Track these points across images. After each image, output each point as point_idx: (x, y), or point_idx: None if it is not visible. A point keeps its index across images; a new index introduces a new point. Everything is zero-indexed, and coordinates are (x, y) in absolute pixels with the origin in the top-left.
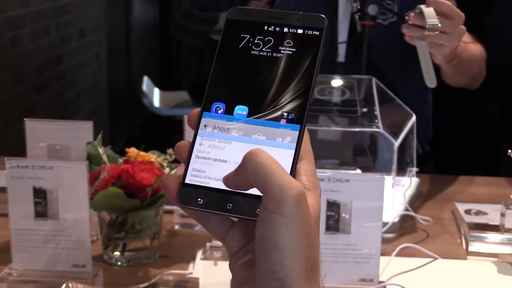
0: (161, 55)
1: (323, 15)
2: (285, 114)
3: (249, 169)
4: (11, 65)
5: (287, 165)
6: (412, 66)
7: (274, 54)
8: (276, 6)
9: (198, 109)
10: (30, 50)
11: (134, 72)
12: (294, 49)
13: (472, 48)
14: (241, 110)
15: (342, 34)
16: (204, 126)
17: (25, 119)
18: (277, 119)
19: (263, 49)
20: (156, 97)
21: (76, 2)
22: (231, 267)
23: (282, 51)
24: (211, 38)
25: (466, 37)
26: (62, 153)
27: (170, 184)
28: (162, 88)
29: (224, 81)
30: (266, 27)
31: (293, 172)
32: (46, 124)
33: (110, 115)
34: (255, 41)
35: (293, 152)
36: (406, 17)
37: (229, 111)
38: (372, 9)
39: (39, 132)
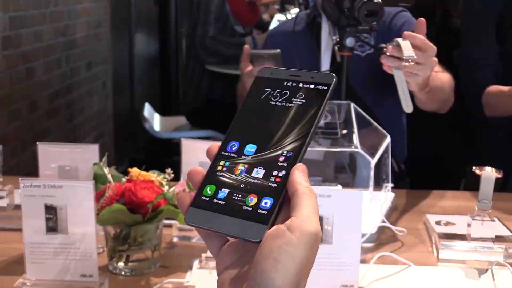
0: (161, 84)
1: (333, 74)
2: (284, 152)
3: (299, 192)
4: (26, 94)
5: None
6: (387, 93)
7: (287, 104)
8: (265, 41)
9: (217, 144)
10: (43, 81)
11: (136, 99)
12: (304, 100)
13: (442, 77)
14: (250, 148)
15: (325, 63)
16: (219, 159)
17: (37, 143)
18: (277, 156)
19: (279, 100)
20: (156, 122)
21: (84, 37)
22: (219, 285)
23: (293, 102)
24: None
25: (437, 67)
26: (71, 173)
27: (184, 202)
28: (162, 113)
29: (243, 125)
30: (285, 83)
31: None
32: (57, 147)
33: (115, 139)
34: (274, 94)
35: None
36: (385, 49)
37: (241, 149)
38: (349, 42)
39: (51, 154)
